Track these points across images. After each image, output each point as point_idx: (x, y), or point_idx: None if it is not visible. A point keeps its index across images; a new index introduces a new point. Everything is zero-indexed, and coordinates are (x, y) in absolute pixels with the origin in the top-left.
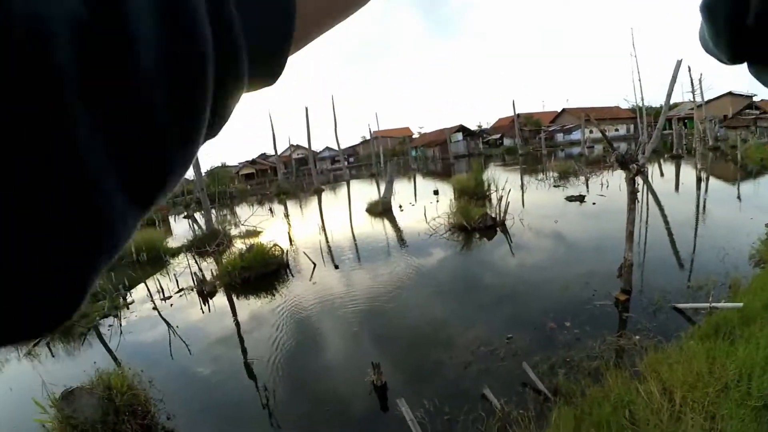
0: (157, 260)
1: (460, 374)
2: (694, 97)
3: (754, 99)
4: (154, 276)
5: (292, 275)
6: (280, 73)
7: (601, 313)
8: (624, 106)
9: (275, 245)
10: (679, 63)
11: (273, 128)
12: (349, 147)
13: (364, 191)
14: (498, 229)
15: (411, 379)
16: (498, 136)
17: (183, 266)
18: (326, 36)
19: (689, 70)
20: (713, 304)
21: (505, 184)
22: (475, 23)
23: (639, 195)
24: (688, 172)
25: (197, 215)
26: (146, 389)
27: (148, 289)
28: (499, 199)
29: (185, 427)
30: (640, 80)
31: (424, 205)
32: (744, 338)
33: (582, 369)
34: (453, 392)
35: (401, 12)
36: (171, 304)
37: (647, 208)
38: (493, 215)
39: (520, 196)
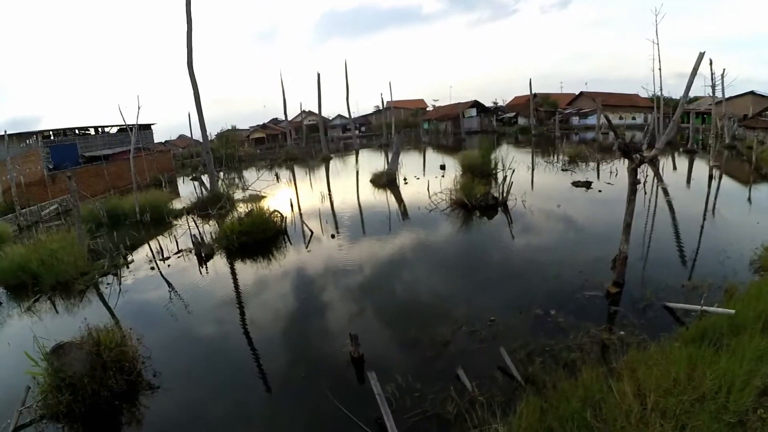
0: (160, 221)
1: (438, 353)
2: (713, 92)
3: None
4: (156, 237)
5: (290, 242)
6: None
7: (589, 304)
8: (643, 94)
9: (275, 211)
10: (701, 55)
11: (284, 93)
12: (362, 116)
13: (373, 161)
14: (499, 208)
15: (389, 353)
16: (513, 114)
17: (185, 228)
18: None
19: (710, 64)
20: (705, 308)
21: (511, 163)
22: None
23: (647, 186)
24: (701, 168)
25: (204, 177)
26: (135, 346)
27: (151, 249)
28: (503, 179)
29: (170, 384)
30: (660, 69)
31: (429, 179)
32: (730, 348)
33: (559, 359)
34: (428, 370)
35: None
36: (168, 265)
37: (655, 201)
38: (496, 194)
39: (528, 177)
